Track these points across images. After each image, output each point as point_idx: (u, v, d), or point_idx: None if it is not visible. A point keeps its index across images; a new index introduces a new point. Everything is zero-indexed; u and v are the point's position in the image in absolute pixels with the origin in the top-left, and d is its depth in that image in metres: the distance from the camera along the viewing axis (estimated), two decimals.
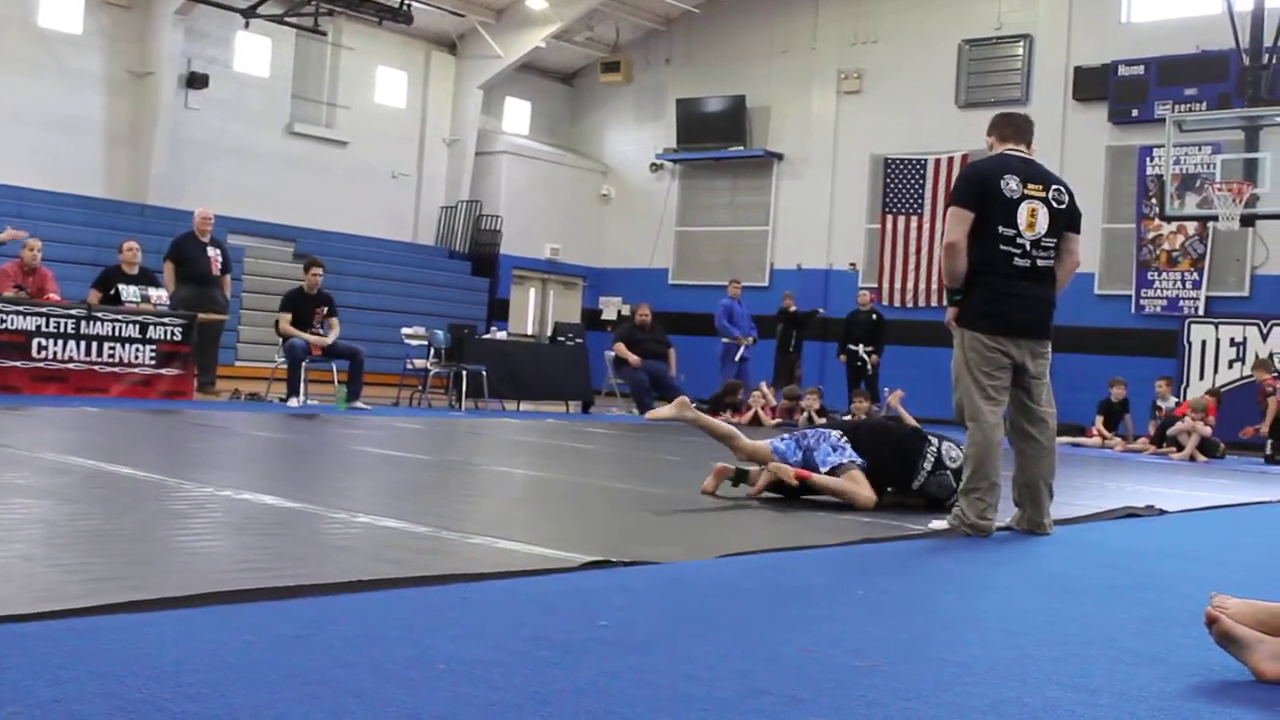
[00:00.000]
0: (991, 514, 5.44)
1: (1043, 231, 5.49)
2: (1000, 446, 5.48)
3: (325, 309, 12.98)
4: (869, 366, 16.81)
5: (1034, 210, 5.47)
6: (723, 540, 4.87)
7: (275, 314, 13.25)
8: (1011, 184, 5.45)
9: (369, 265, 20.24)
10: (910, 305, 19.87)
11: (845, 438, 6.28)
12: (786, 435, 6.56)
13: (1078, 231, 5.70)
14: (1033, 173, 5.57)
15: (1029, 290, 5.49)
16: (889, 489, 6.27)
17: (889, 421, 6.76)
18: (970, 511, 5.41)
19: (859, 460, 6.17)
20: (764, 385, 15.94)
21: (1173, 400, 15.43)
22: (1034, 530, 5.61)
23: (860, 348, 16.91)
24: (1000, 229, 5.42)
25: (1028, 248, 5.46)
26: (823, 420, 14.80)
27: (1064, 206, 5.59)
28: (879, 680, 2.70)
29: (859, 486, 6.06)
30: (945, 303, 5.69)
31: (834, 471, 6.14)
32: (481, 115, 22.95)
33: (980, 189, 5.46)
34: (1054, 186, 5.59)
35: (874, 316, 17.34)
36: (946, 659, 2.98)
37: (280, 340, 13.25)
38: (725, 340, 17.26)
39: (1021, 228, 5.44)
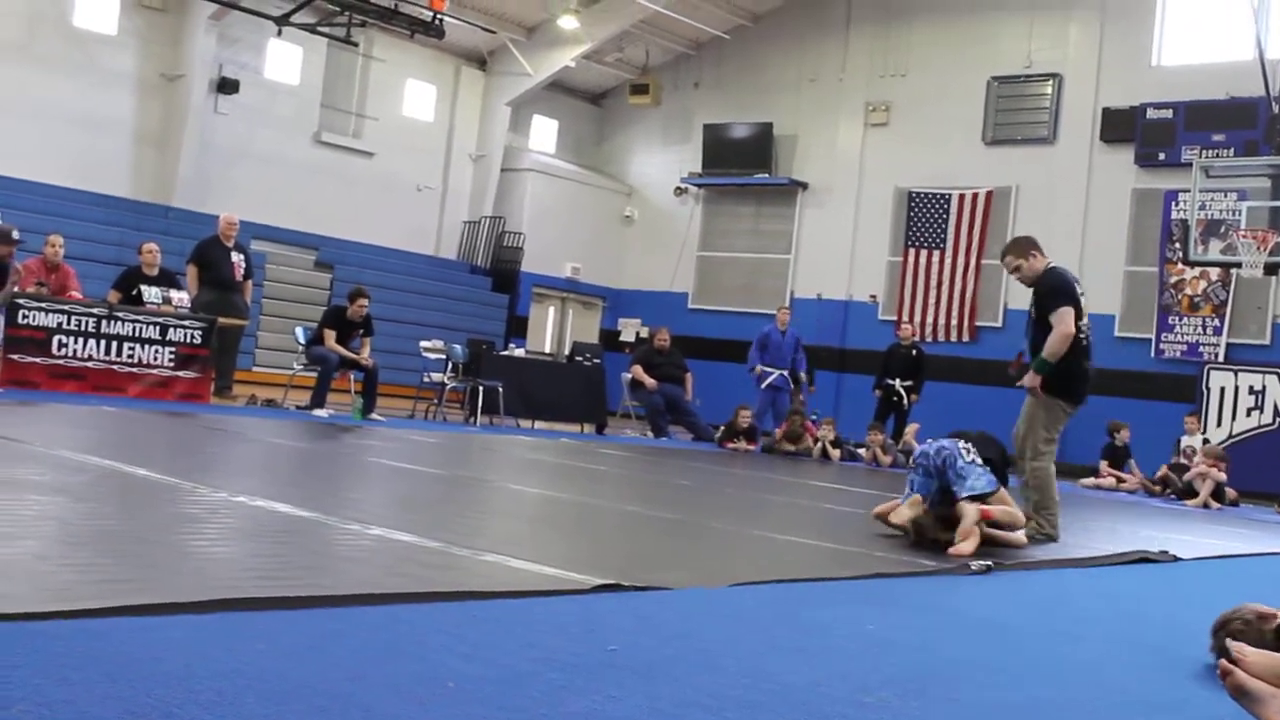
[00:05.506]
0: (1058, 525, 7.21)
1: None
2: (1054, 478, 7.33)
3: (362, 330, 13.10)
4: (905, 402, 16.29)
5: (1084, 304, 7.42)
6: (734, 568, 4.86)
7: (294, 321, 13.26)
8: (1079, 287, 7.41)
9: (390, 277, 20.26)
10: (930, 339, 19.70)
11: (971, 449, 6.14)
12: (913, 474, 6.27)
13: None
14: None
15: (1089, 367, 7.42)
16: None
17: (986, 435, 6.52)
18: (1046, 524, 7.11)
19: (995, 481, 6.12)
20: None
21: (1198, 438, 15.25)
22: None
23: (897, 383, 16.37)
24: (1079, 322, 7.25)
25: (1086, 332, 7.38)
26: (838, 451, 14.73)
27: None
28: (887, 717, 2.69)
29: (1015, 509, 6.37)
30: (1035, 369, 7.25)
31: (983, 499, 6.03)
32: (508, 132, 23.06)
33: (1073, 292, 7.30)
34: None
35: (914, 352, 16.53)
36: (955, 698, 2.96)
37: (302, 348, 13.29)
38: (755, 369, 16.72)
39: (1085, 319, 7.34)
